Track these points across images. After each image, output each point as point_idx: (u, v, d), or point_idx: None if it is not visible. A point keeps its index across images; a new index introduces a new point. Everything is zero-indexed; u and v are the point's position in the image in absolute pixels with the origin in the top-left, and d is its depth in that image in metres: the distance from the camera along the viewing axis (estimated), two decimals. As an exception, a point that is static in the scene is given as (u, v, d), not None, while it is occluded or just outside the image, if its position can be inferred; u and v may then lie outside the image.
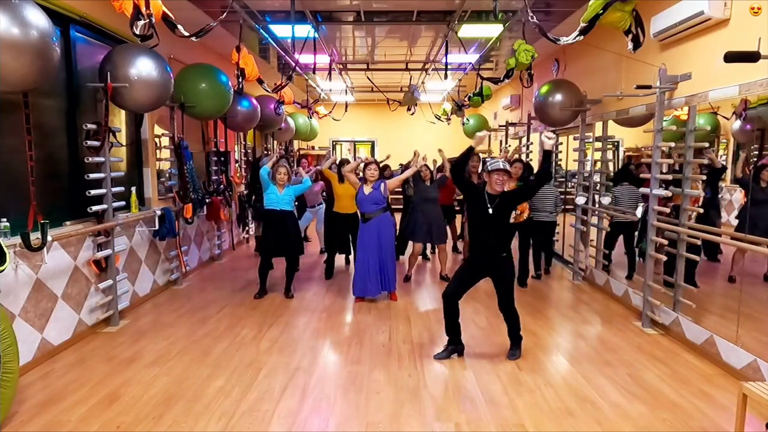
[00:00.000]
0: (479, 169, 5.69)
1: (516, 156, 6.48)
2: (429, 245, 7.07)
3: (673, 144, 4.32)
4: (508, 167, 3.81)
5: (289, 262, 5.57)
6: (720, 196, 4.30)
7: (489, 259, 3.82)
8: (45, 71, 3.19)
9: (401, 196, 7.60)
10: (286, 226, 5.42)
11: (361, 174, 5.59)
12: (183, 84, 5.45)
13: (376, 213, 5.28)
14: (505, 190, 3.83)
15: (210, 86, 5.66)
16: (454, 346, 3.94)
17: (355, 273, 5.39)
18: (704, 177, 4.26)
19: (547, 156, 3.76)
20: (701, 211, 4.22)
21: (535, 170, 6.08)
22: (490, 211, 3.74)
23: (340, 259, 6.92)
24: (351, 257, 6.72)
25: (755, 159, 3.99)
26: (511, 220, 5.53)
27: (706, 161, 4.15)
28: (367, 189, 5.29)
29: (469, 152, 3.94)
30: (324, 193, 7.37)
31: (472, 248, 3.92)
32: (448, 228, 7.89)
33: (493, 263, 3.83)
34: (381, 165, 5.93)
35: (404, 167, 7.47)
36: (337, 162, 6.44)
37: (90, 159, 4.22)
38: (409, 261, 6.39)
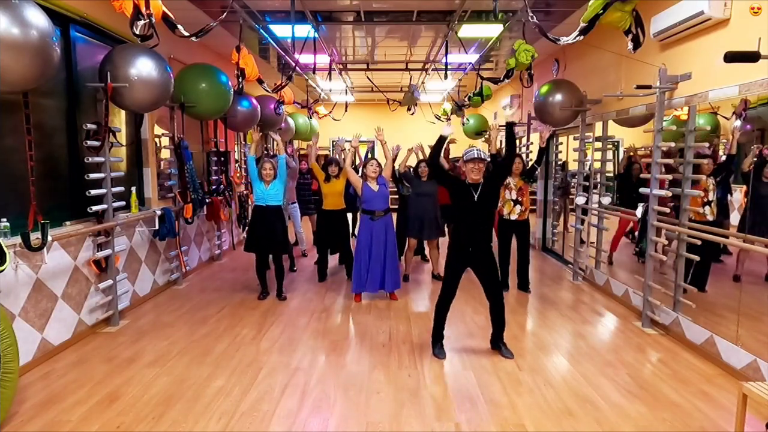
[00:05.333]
0: (520, 170, 5.60)
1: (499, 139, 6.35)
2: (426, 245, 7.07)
3: (672, 144, 4.33)
4: (483, 156, 3.81)
5: (276, 260, 5.51)
6: (730, 197, 4.30)
7: (476, 248, 3.85)
8: (45, 71, 3.19)
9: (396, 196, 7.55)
10: (273, 222, 5.34)
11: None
12: (183, 84, 5.45)
13: (384, 211, 5.29)
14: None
15: (210, 86, 5.66)
16: (442, 340, 4.04)
17: (355, 269, 5.35)
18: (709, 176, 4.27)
19: (509, 131, 3.85)
20: (700, 211, 4.23)
21: (531, 164, 6.10)
22: (476, 198, 3.77)
23: (333, 262, 6.90)
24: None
25: (756, 158, 3.99)
26: (514, 217, 5.57)
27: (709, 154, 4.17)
28: (374, 186, 5.26)
29: (441, 141, 3.95)
30: (317, 194, 7.24)
31: (457, 239, 3.90)
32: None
33: (479, 252, 3.85)
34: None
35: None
36: (325, 161, 6.32)
37: (90, 159, 4.23)
38: (406, 258, 6.38)
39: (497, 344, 4.02)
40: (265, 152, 9.09)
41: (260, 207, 5.36)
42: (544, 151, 5.68)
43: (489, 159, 3.91)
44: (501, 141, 4.11)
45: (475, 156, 3.79)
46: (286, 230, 5.66)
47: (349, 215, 6.78)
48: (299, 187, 7.54)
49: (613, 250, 6.23)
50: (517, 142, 5.83)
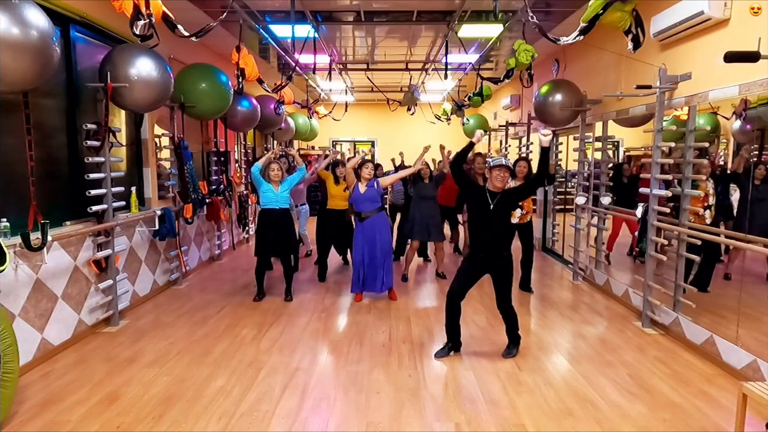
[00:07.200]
0: (524, 174, 5.62)
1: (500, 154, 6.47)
2: (430, 246, 7.09)
3: (672, 144, 4.33)
4: (510, 164, 3.83)
5: (285, 262, 5.51)
6: (731, 198, 4.31)
7: (489, 256, 3.83)
8: (45, 71, 3.19)
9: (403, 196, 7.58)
10: (284, 225, 5.35)
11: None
12: (183, 84, 5.45)
13: (373, 212, 5.29)
14: (510, 186, 3.85)
15: (210, 86, 5.66)
16: (453, 344, 3.98)
17: (353, 271, 5.39)
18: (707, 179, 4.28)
19: (544, 153, 3.77)
20: (700, 213, 4.25)
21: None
22: (491, 207, 3.76)
23: (334, 262, 6.89)
24: (348, 256, 6.70)
25: (755, 158, 4.00)
26: (515, 220, 5.57)
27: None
28: (362, 188, 5.28)
29: (470, 147, 3.92)
30: (319, 194, 7.33)
31: (473, 245, 3.93)
32: (450, 229, 7.92)
33: (494, 261, 3.84)
34: (375, 164, 5.94)
35: (399, 167, 7.47)
36: (332, 162, 6.42)
37: (90, 159, 4.22)
38: (407, 258, 6.39)
39: (509, 345, 4.00)
40: (265, 152, 9.09)
41: (269, 210, 5.32)
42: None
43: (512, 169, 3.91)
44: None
45: (503, 163, 3.79)
46: (295, 232, 5.67)
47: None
48: (310, 188, 7.56)
49: (609, 249, 6.24)
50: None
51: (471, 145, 3.92)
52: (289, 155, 5.56)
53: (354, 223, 5.47)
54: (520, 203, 5.54)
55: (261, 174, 5.33)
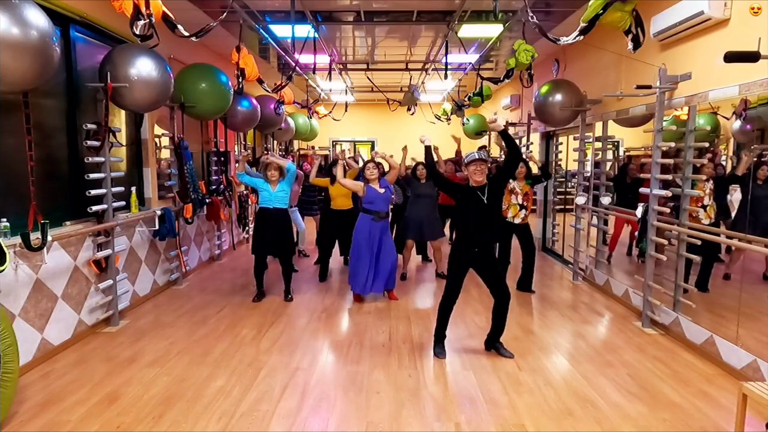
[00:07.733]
0: (524, 174, 5.68)
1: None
2: (430, 247, 7.08)
3: (672, 144, 4.33)
4: (484, 157, 3.86)
5: (283, 262, 5.50)
6: (729, 198, 4.32)
7: (482, 249, 3.84)
8: (45, 71, 3.19)
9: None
10: (280, 224, 5.34)
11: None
12: (183, 84, 5.45)
13: (386, 214, 5.28)
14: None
15: (210, 86, 5.66)
16: (443, 339, 4.04)
17: (355, 270, 5.30)
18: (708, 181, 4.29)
19: (504, 135, 3.83)
20: (693, 214, 4.25)
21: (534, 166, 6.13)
22: (485, 201, 3.77)
23: (335, 262, 6.90)
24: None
25: (755, 158, 4.00)
26: (518, 221, 5.59)
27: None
28: (379, 189, 5.25)
29: (428, 152, 4.01)
30: (322, 194, 7.31)
31: (463, 241, 3.87)
32: (450, 230, 7.92)
33: (484, 253, 3.85)
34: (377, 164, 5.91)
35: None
36: (327, 161, 6.45)
37: (90, 159, 4.22)
38: (404, 257, 6.38)
39: (494, 345, 4.01)
40: (265, 152, 9.08)
41: (266, 210, 5.32)
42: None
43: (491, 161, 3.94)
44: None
45: (477, 157, 3.81)
46: (291, 232, 5.66)
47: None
48: (305, 189, 7.55)
49: (611, 250, 6.24)
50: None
51: (427, 149, 4.00)
52: (270, 163, 5.44)
53: (360, 221, 5.33)
54: (524, 203, 5.56)
55: (251, 174, 5.49)
